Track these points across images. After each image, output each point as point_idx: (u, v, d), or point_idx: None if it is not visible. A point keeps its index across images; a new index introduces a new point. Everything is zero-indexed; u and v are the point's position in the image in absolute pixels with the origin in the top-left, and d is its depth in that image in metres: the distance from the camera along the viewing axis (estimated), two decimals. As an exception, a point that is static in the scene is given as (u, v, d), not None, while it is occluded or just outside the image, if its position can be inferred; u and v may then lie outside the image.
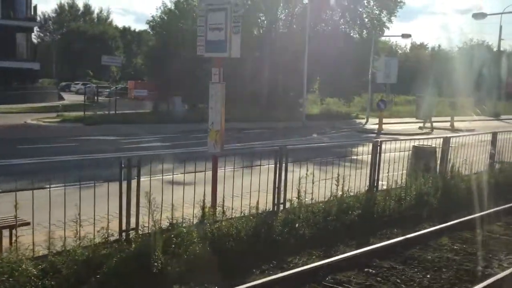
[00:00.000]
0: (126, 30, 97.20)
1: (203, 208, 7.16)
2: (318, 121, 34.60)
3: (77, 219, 5.91)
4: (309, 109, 42.25)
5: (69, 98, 49.50)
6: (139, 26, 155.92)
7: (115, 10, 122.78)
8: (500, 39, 49.98)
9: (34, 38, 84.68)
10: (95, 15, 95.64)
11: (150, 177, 6.78)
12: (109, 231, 6.26)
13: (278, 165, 8.09)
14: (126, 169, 6.32)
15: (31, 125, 25.80)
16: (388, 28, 40.02)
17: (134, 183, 6.54)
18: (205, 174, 7.48)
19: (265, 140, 22.29)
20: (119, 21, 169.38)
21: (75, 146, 18.19)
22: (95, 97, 42.71)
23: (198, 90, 30.38)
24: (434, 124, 34.00)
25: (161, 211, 6.66)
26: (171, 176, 7.54)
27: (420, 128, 30.21)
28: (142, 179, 6.57)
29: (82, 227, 5.97)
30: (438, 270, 7.01)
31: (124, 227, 6.43)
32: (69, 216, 6.11)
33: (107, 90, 44.19)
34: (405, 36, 35.07)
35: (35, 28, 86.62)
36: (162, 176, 6.92)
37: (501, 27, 49.53)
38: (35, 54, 45.55)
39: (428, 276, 6.80)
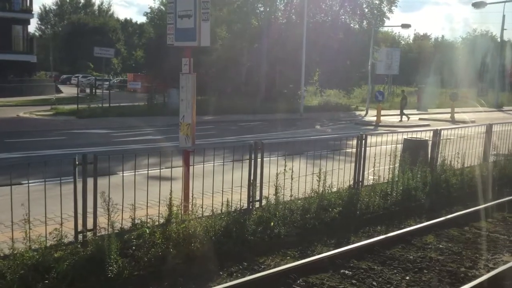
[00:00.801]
0: (127, 22, 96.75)
1: (170, 206, 6.75)
2: (317, 113, 34.18)
3: (26, 220, 5.52)
4: (309, 101, 41.80)
5: (69, 91, 49.12)
6: (142, 18, 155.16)
7: (118, 2, 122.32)
8: (502, 29, 49.15)
9: (35, 30, 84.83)
10: (96, 7, 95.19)
11: (109, 175, 6.36)
12: (64, 232, 5.87)
13: (253, 160, 7.66)
14: (82, 167, 5.90)
15: (23, 118, 25.46)
16: (388, 18, 39.45)
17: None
18: (171, 170, 7.05)
19: (260, 132, 21.89)
20: (122, 13, 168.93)
21: (63, 139, 17.83)
22: (93, 90, 42.37)
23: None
24: (436, 116, 33.59)
25: (122, 210, 6.28)
26: (143, 172, 7.21)
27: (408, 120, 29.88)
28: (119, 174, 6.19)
29: (32, 229, 5.59)
30: (419, 271, 6.61)
31: (80, 228, 6.04)
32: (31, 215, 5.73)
33: (106, 82, 43.81)
34: (405, 26, 34.37)
35: (36, 21, 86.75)
36: (123, 173, 6.53)
37: (504, 16, 48.51)
38: (32, 46, 45.06)
39: (408, 278, 6.40)
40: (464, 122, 27.82)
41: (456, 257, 7.21)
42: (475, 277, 6.41)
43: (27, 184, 5.86)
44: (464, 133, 12.33)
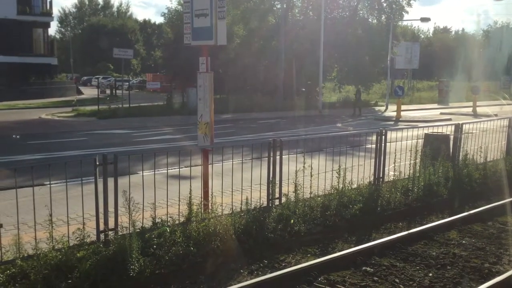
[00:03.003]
0: (146, 23, 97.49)
1: (189, 205, 6.78)
2: (336, 109, 34.03)
3: (49, 220, 5.59)
4: (328, 97, 41.64)
5: (90, 92, 49.78)
6: (160, 18, 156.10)
7: (136, 3, 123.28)
8: (525, 20, 48.13)
9: (55, 33, 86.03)
10: (114, 9, 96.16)
11: (129, 175, 6.40)
12: (86, 232, 5.93)
13: (271, 158, 7.64)
14: (102, 167, 5.96)
15: (45, 120, 25.87)
16: (407, 12, 38.98)
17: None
18: (190, 169, 7.08)
19: (279, 130, 21.86)
20: (140, 14, 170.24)
21: (84, 140, 18.05)
22: (113, 91, 42.76)
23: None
24: (457, 110, 33.14)
25: (143, 209, 6.32)
26: (163, 171, 7.25)
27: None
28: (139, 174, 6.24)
29: (55, 229, 5.66)
30: (442, 268, 6.51)
31: (102, 228, 6.09)
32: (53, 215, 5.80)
33: (126, 83, 44.21)
34: (424, 19, 33.85)
35: (56, 24, 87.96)
36: (143, 172, 6.57)
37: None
38: (53, 49, 45.75)
39: (430, 274, 6.31)
40: (486, 115, 27.40)
41: (480, 252, 7.09)
42: (500, 272, 6.31)
43: (49, 185, 5.93)
44: (486, 127, 12.14)
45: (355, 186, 8.72)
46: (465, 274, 6.31)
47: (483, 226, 8.30)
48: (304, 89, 36.76)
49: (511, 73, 54.41)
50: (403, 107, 30.09)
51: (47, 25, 46.60)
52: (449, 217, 8.53)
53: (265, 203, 7.67)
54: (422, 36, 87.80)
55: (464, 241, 7.54)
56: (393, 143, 9.89)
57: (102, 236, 6.12)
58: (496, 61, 54.06)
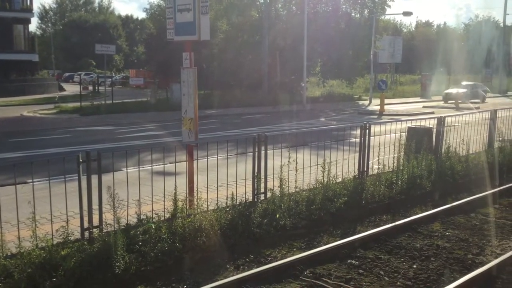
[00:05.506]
0: (128, 19, 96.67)
1: (175, 201, 6.75)
2: (320, 104, 34.14)
3: (33, 218, 5.53)
4: (312, 91, 41.69)
5: (72, 89, 49.20)
6: (143, 14, 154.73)
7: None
8: (505, 14, 48.83)
9: (36, 29, 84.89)
10: (96, 4, 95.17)
11: (113, 171, 6.35)
12: (70, 230, 5.88)
13: (256, 153, 7.64)
14: (86, 164, 5.90)
15: (27, 117, 25.54)
16: (389, 6, 39.14)
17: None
18: (175, 165, 7.05)
19: (264, 125, 21.87)
20: (122, 9, 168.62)
21: (67, 137, 17.86)
22: (96, 87, 42.36)
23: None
24: (440, 103, 33.46)
25: (127, 206, 6.28)
26: (147, 168, 7.21)
27: None
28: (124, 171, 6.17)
29: (38, 228, 5.60)
30: (426, 259, 6.59)
31: (86, 225, 6.04)
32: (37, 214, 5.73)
33: (109, 79, 43.78)
34: (406, 13, 34.06)
35: (37, 20, 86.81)
36: (127, 169, 6.51)
37: (506, 1, 48.08)
38: (34, 45, 45.15)
39: (415, 266, 6.37)
40: (468, 108, 27.73)
41: (463, 244, 7.18)
42: (483, 263, 6.40)
43: (32, 183, 5.86)
44: (468, 119, 12.27)
45: (339, 180, 8.77)
46: (448, 266, 6.39)
47: (466, 217, 8.40)
48: (303, 84, 36.42)
49: (491, 66, 55.10)
50: (386, 101, 30.31)
51: (28, 21, 45.89)
52: (433, 209, 8.63)
53: (250, 198, 7.67)
54: (405, 30, 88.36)
55: (447, 233, 7.63)
56: (377, 137, 9.95)
57: (86, 233, 6.08)
58: (476, 55, 54.67)
